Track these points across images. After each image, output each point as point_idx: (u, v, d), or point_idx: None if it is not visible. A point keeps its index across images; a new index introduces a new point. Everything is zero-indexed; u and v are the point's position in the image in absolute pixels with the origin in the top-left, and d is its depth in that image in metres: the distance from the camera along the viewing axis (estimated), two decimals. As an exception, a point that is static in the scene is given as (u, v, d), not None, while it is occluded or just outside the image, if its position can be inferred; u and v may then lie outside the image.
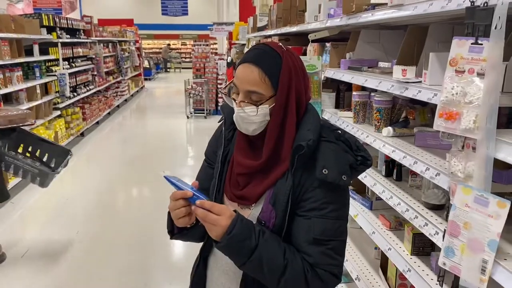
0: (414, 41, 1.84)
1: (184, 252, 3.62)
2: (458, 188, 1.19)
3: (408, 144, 1.79)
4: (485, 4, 1.11)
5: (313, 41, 2.79)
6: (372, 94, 2.14)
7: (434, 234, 1.44)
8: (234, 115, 1.30)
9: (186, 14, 21.67)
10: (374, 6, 2.00)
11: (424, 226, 1.51)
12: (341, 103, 2.84)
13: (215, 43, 18.92)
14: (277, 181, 1.30)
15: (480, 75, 1.14)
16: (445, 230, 1.28)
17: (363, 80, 2.01)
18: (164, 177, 1.28)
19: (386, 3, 1.93)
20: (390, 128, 1.91)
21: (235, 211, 1.25)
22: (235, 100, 1.29)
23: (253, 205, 1.35)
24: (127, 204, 4.99)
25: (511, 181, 1.19)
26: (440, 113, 1.22)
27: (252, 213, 1.35)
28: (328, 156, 1.23)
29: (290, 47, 3.53)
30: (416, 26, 1.85)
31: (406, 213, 1.64)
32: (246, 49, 7.06)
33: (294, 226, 1.27)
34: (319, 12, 2.89)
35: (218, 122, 1.56)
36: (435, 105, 1.39)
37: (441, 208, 1.60)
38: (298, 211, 1.26)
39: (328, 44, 2.71)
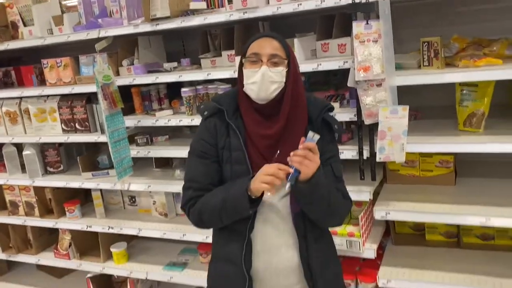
0: (240, 36, 2.37)
1: None
2: (380, 110, 1.98)
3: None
4: (367, 1, 1.92)
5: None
6: (200, 87, 2.50)
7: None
8: (256, 77, 1.52)
9: None
10: (194, 12, 2.34)
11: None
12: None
13: None
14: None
15: (374, 41, 1.95)
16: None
17: (205, 75, 2.35)
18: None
19: (204, 8, 2.35)
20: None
21: None
22: (262, 61, 1.53)
23: None
24: None
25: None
26: (358, 68, 1.95)
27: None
28: (330, 116, 1.68)
29: None
30: (241, 25, 2.37)
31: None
32: None
33: None
34: (60, 25, 2.71)
35: (205, 118, 1.64)
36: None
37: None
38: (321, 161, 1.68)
39: (96, 55, 2.66)
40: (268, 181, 1.45)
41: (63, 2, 2.94)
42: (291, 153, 1.46)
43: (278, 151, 1.57)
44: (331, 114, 1.67)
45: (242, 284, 1.61)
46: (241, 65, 1.62)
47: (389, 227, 2.57)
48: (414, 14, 2.46)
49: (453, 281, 2.12)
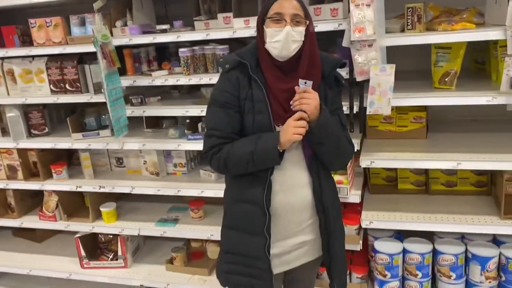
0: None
1: None
2: (371, 68, 2.23)
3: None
4: (363, -32, 2.13)
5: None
6: (196, 47, 2.62)
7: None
8: (280, 36, 1.69)
9: None
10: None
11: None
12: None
13: None
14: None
15: (367, 5, 2.17)
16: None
17: (204, 35, 2.47)
18: None
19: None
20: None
21: None
22: (285, 21, 1.70)
23: None
24: None
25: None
26: (354, 29, 2.17)
27: None
28: (339, 73, 1.91)
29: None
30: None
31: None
32: None
33: None
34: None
35: (226, 71, 1.80)
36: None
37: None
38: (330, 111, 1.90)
39: (89, 15, 2.69)
40: (300, 132, 1.68)
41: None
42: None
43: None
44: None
45: (263, 220, 1.81)
46: (260, 24, 1.78)
47: (366, 179, 2.87)
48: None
49: (426, 219, 2.45)
